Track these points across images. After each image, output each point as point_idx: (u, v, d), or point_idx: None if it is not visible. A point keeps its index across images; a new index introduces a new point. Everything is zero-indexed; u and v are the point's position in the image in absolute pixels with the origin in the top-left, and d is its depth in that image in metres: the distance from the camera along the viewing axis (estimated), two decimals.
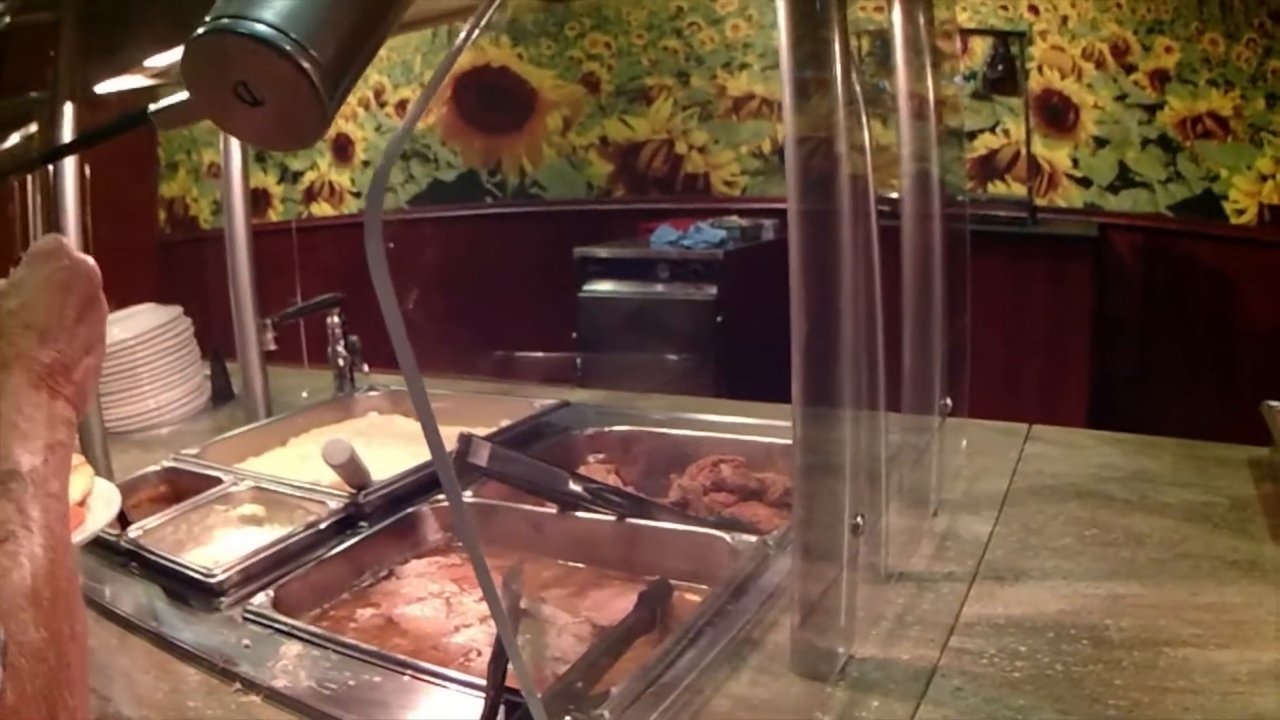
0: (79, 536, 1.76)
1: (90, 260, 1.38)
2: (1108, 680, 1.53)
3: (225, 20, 0.81)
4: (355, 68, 0.85)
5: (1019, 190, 6.05)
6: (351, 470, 2.38)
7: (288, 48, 0.79)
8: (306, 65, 0.80)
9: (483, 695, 1.58)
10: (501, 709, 1.46)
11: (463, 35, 1.01)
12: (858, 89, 1.58)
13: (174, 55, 2.89)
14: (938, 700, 1.53)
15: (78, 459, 2.13)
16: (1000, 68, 5.89)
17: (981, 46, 5.94)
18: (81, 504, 1.99)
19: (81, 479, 2.00)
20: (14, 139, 4.21)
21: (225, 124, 0.89)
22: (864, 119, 1.59)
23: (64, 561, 1.11)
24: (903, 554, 1.98)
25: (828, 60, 1.52)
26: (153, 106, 0.94)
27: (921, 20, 2.19)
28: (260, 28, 0.79)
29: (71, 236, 2.69)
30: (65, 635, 1.08)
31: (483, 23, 1.05)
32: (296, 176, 8.32)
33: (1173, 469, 2.34)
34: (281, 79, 0.81)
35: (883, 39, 2.16)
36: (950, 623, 1.75)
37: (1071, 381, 5.56)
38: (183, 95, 0.89)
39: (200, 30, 0.82)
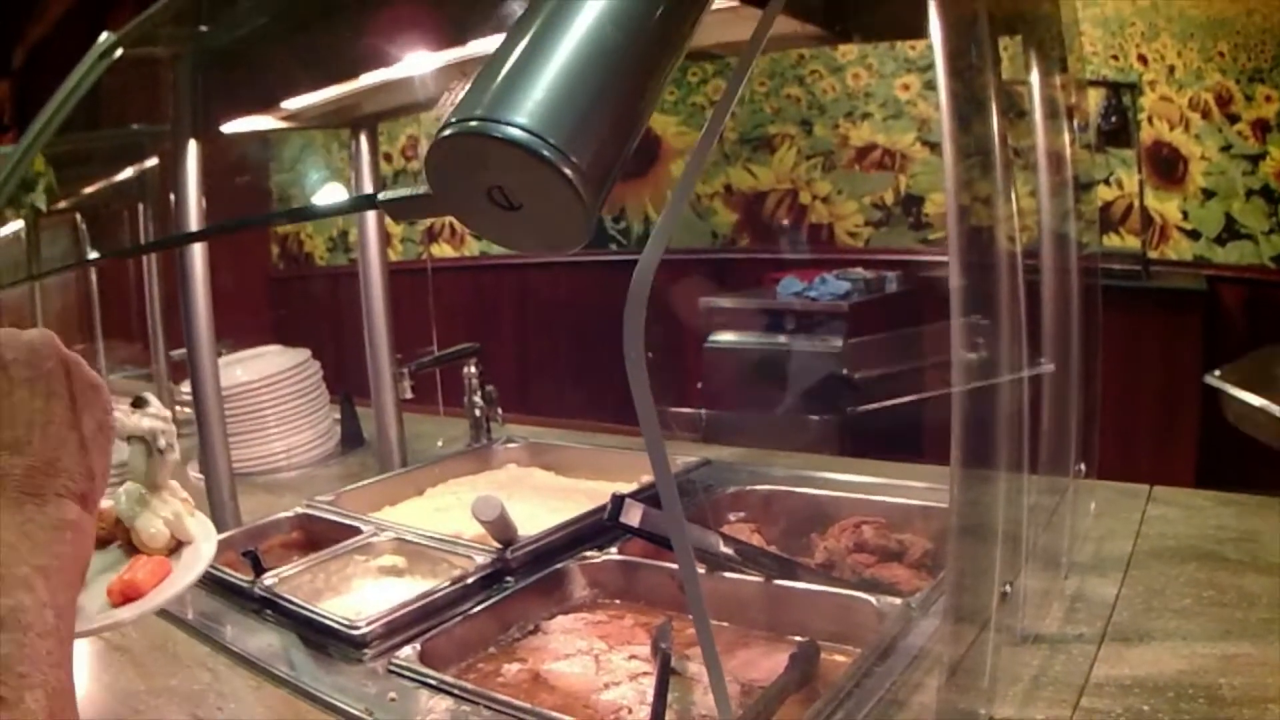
0: (172, 590, 1.77)
1: (40, 338, 1.20)
2: None
3: (476, 123, 0.81)
4: (614, 171, 0.84)
5: (1132, 243, 6.01)
6: (500, 526, 2.38)
7: (547, 154, 0.78)
8: (569, 172, 0.79)
9: None
10: None
11: (731, 81, 1.01)
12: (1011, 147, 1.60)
13: (304, 99, 2.92)
14: None
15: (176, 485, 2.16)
16: (1114, 119, 5.86)
17: (1095, 98, 5.91)
18: (174, 552, 2.01)
19: (155, 523, 2.02)
20: (128, 172, 4.26)
21: (473, 224, 0.88)
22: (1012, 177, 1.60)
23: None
24: (1036, 615, 1.98)
25: (984, 118, 1.54)
26: (384, 195, 0.94)
27: (1056, 78, 2.20)
28: (516, 132, 0.79)
29: (198, 276, 2.72)
30: None
31: (750, 68, 1.06)
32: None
33: None
34: (543, 185, 0.80)
35: (1009, 94, 2.17)
36: (1081, 683, 1.75)
37: (1183, 435, 5.51)
38: (420, 189, 0.89)
39: (448, 130, 0.81)
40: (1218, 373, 2.54)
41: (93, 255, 4.46)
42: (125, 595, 1.73)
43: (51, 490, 1.12)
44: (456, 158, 0.84)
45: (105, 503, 2.00)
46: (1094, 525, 2.42)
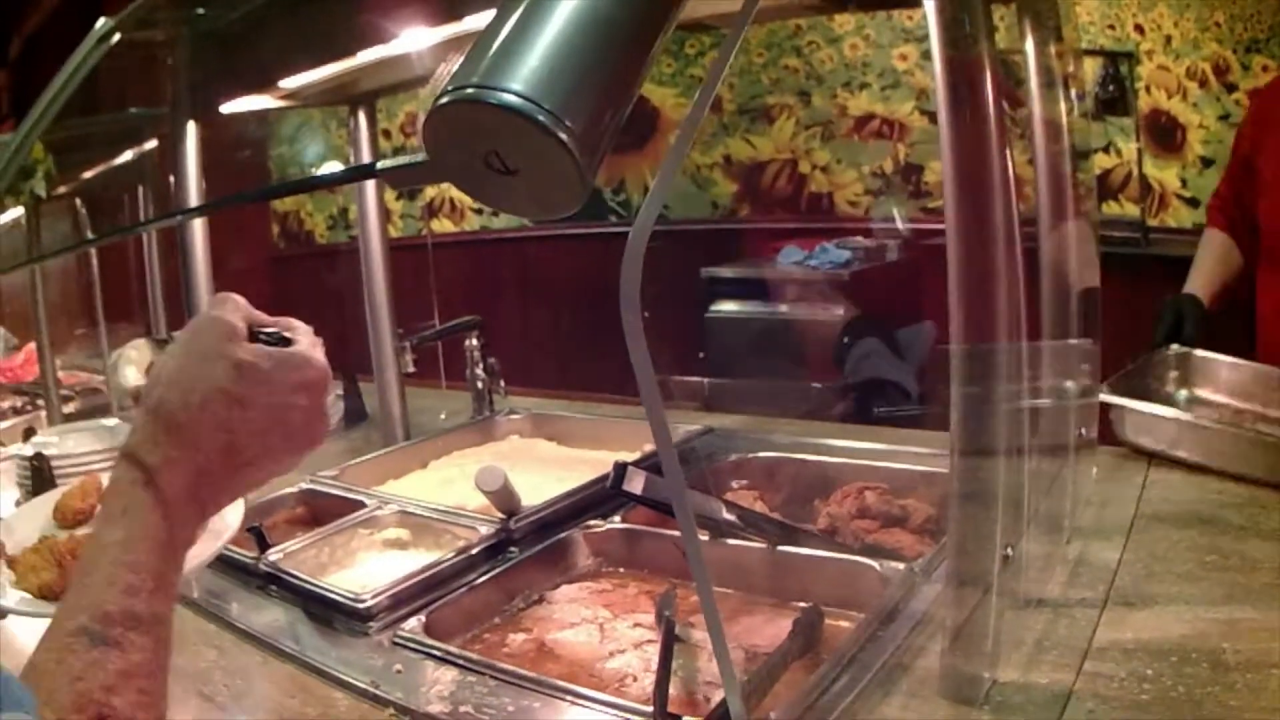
0: (202, 556, 1.78)
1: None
2: (1224, 702, 1.55)
3: (472, 90, 0.82)
4: (608, 136, 0.85)
5: (1131, 210, 6.00)
6: (504, 497, 2.40)
7: (542, 119, 0.80)
8: (563, 136, 0.80)
9: None
10: None
11: (723, 47, 1.02)
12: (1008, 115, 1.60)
13: (302, 78, 2.92)
14: None
15: None
16: (1111, 88, 5.84)
17: (1092, 67, 5.89)
18: None
19: None
20: (128, 155, 4.27)
21: (470, 189, 0.89)
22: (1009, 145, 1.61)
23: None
24: (1039, 580, 1.98)
25: (979, 87, 1.54)
26: (383, 163, 0.95)
27: (1052, 47, 2.20)
28: (512, 98, 0.80)
29: (199, 254, 2.73)
30: None
31: (741, 35, 1.06)
32: (415, 193, 8.34)
33: None
34: (538, 150, 0.81)
35: (1005, 63, 2.17)
36: (1084, 647, 1.76)
37: None
38: (418, 156, 0.89)
39: (445, 99, 0.82)
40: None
41: (94, 237, 4.45)
42: None
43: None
44: (453, 125, 0.85)
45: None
46: (1095, 490, 2.43)
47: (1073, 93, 2.32)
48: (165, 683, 1.08)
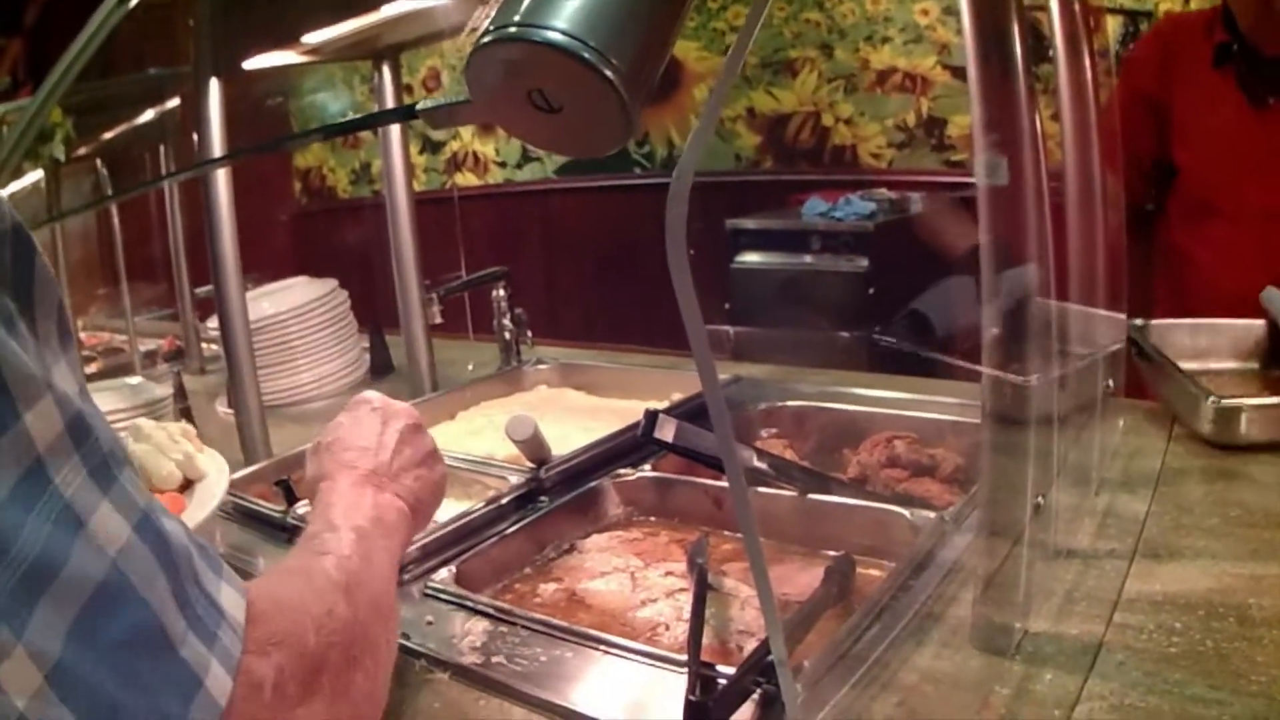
0: (191, 524, 1.80)
1: (402, 403, 1.77)
2: (1250, 656, 1.54)
3: (515, 29, 0.82)
4: (652, 73, 0.85)
5: None
6: (534, 446, 2.40)
7: (587, 55, 0.80)
8: (609, 73, 0.80)
9: (673, 669, 1.60)
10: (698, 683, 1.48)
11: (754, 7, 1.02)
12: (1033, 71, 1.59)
13: (325, 33, 2.92)
14: (1104, 674, 1.54)
15: (176, 429, 2.17)
16: (1132, 47, 5.84)
17: (1113, 25, 5.87)
18: (183, 490, 2.03)
19: (167, 465, 2.04)
20: (149, 114, 4.27)
21: (512, 128, 0.89)
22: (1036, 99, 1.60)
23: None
24: (1068, 531, 1.98)
25: (1008, 42, 1.53)
26: (424, 103, 0.95)
27: (1075, 4, 2.19)
28: (557, 36, 0.80)
29: (224, 211, 2.72)
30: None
31: None
32: (438, 147, 8.38)
33: None
34: (584, 87, 0.81)
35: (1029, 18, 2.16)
36: (1114, 599, 1.75)
37: None
38: (461, 96, 0.89)
39: (488, 38, 0.82)
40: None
41: (113, 193, 4.46)
42: None
43: (386, 489, 1.59)
44: (496, 64, 0.85)
45: None
46: (1122, 443, 2.43)
47: (1095, 49, 2.31)
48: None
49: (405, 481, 1.62)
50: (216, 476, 2.06)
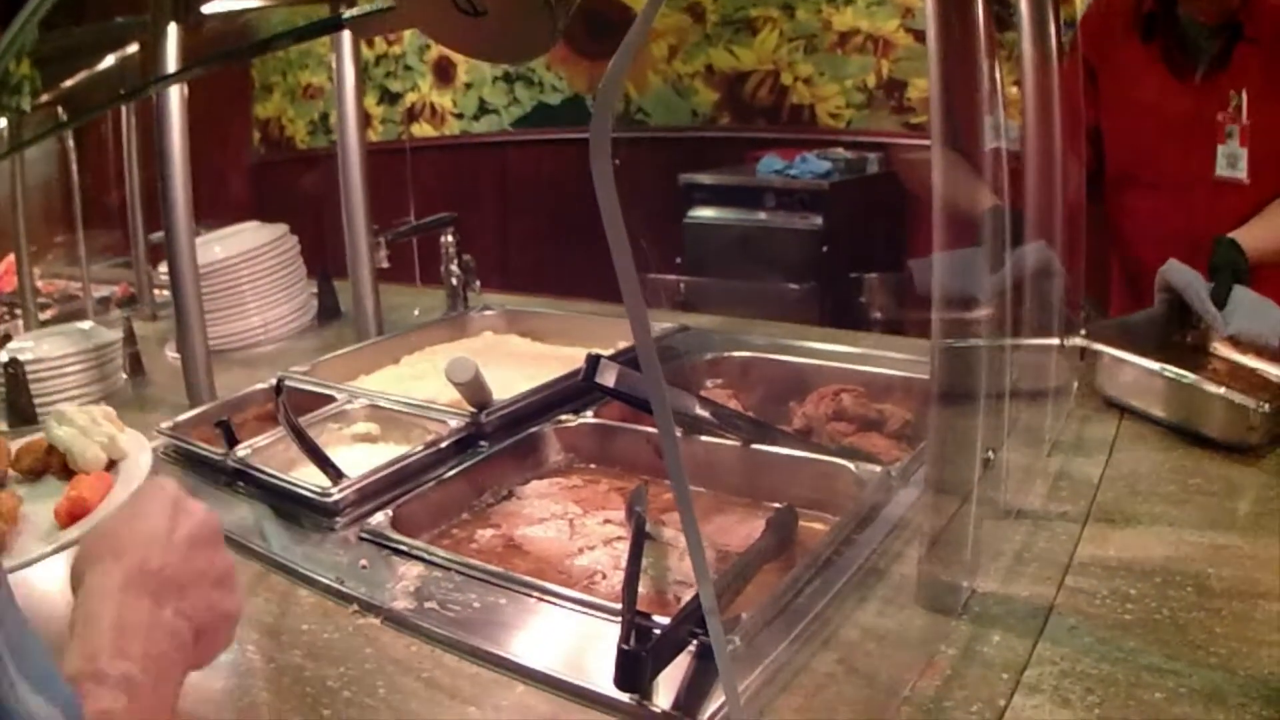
0: (118, 502, 1.78)
1: (205, 507, 1.37)
2: (1209, 628, 1.52)
3: None
4: None
5: None
6: (474, 389, 2.37)
7: None
8: None
9: (609, 617, 1.58)
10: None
11: None
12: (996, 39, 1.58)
13: None
14: (1054, 639, 1.52)
15: (98, 411, 2.15)
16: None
17: None
18: (110, 468, 2.00)
19: (92, 448, 2.02)
20: (109, 60, 4.25)
21: (437, 34, 0.86)
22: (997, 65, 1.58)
23: None
24: (1020, 491, 1.96)
25: (970, 7, 1.51)
26: (349, 12, 0.91)
27: None
28: None
29: (176, 157, 2.71)
30: None
31: None
32: (396, 98, 8.36)
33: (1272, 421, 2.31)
34: None
35: None
36: (1065, 562, 1.74)
37: None
38: (384, 3, 0.86)
39: None
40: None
41: (67, 120, 4.44)
42: (72, 514, 1.75)
43: (169, 604, 1.22)
44: None
45: (35, 435, 2.03)
46: (1077, 405, 2.41)
47: (1062, 18, 2.30)
48: None
49: (193, 599, 1.26)
50: (138, 455, 2.04)
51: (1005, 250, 1.63)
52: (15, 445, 2.12)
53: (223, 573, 1.33)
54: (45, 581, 1.84)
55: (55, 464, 2.06)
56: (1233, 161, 3.02)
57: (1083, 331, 2.30)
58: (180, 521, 1.31)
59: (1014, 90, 2.13)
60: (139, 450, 2.08)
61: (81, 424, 2.12)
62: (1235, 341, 2.32)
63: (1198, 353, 2.37)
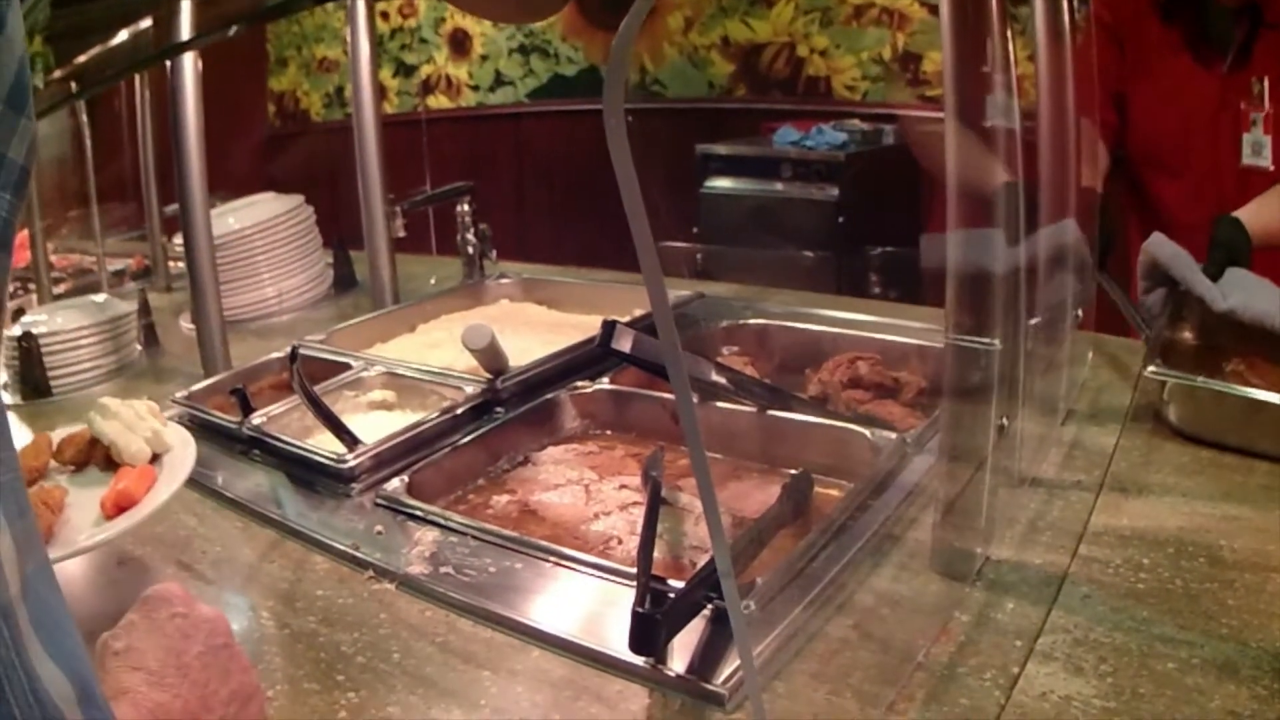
0: (163, 495, 1.78)
1: (212, 610, 1.28)
2: (1221, 599, 1.52)
3: None
4: None
5: None
6: (490, 356, 2.37)
7: None
8: None
9: (624, 582, 1.58)
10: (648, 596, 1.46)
11: None
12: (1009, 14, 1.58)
13: None
14: (1068, 607, 1.52)
15: (141, 406, 2.16)
16: None
17: None
18: (153, 461, 2.01)
19: (136, 442, 2.02)
20: (122, 35, 4.25)
21: None
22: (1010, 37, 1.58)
23: None
24: (1034, 460, 1.96)
25: None
26: None
27: None
28: None
29: (191, 129, 2.71)
30: None
31: None
32: (411, 70, 8.35)
33: None
34: None
35: None
36: (1079, 530, 1.74)
37: None
38: None
39: None
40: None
41: (79, 91, 4.45)
42: (119, 505, 1.75)
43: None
44: None
45: (78, 427, 2.03)
46: (1092, 376, 2.42)
47: None
48: None
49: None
50: (182, 449, 2.05)
51: (1019, 224, 1.63)
52: (57, 436, 2.12)
53: (248, 690, 1.26)
54: (87, 573, 1.90)
55: (99, 456, 2.07)
56: (1257, 149, 3.00)
57: (1157, 361, 2.24)
58: (190, 644, 1.22)
59: (1029, 65, 2.13)
60: (183, 445, 2.09)
61: (126, 418, 2.13)
62: (1239, 323, 2.29)
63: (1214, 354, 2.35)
